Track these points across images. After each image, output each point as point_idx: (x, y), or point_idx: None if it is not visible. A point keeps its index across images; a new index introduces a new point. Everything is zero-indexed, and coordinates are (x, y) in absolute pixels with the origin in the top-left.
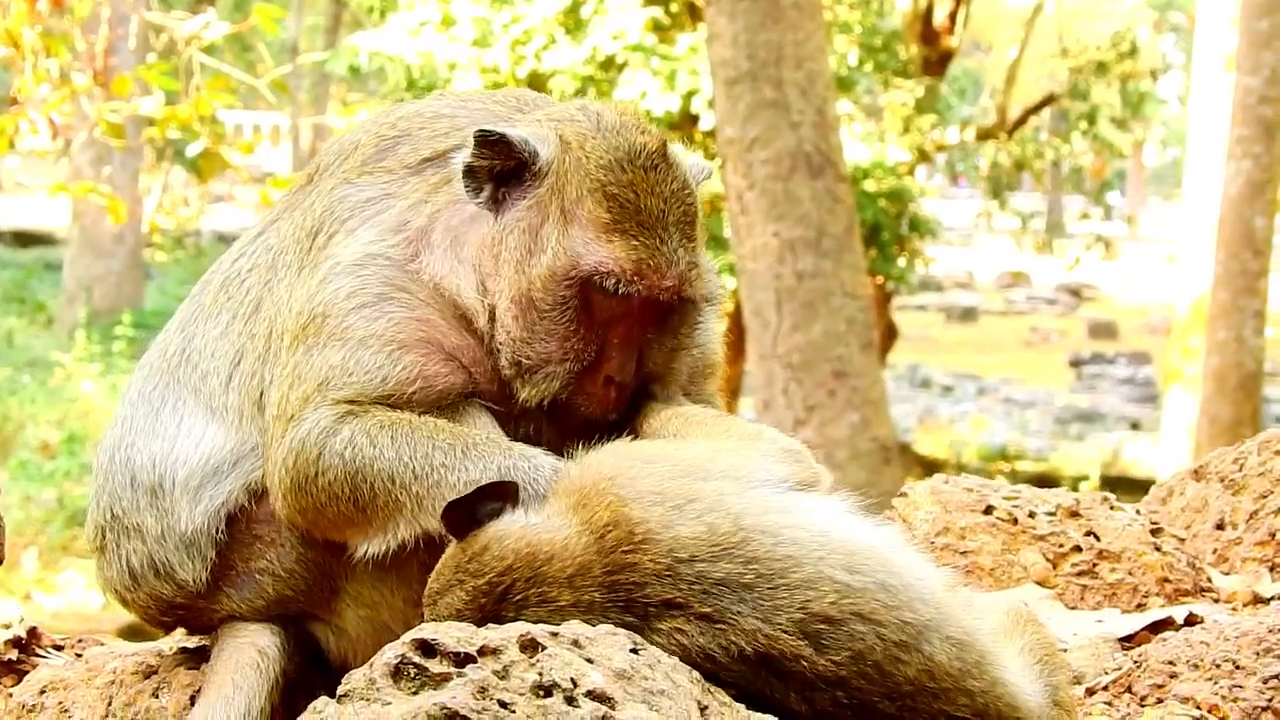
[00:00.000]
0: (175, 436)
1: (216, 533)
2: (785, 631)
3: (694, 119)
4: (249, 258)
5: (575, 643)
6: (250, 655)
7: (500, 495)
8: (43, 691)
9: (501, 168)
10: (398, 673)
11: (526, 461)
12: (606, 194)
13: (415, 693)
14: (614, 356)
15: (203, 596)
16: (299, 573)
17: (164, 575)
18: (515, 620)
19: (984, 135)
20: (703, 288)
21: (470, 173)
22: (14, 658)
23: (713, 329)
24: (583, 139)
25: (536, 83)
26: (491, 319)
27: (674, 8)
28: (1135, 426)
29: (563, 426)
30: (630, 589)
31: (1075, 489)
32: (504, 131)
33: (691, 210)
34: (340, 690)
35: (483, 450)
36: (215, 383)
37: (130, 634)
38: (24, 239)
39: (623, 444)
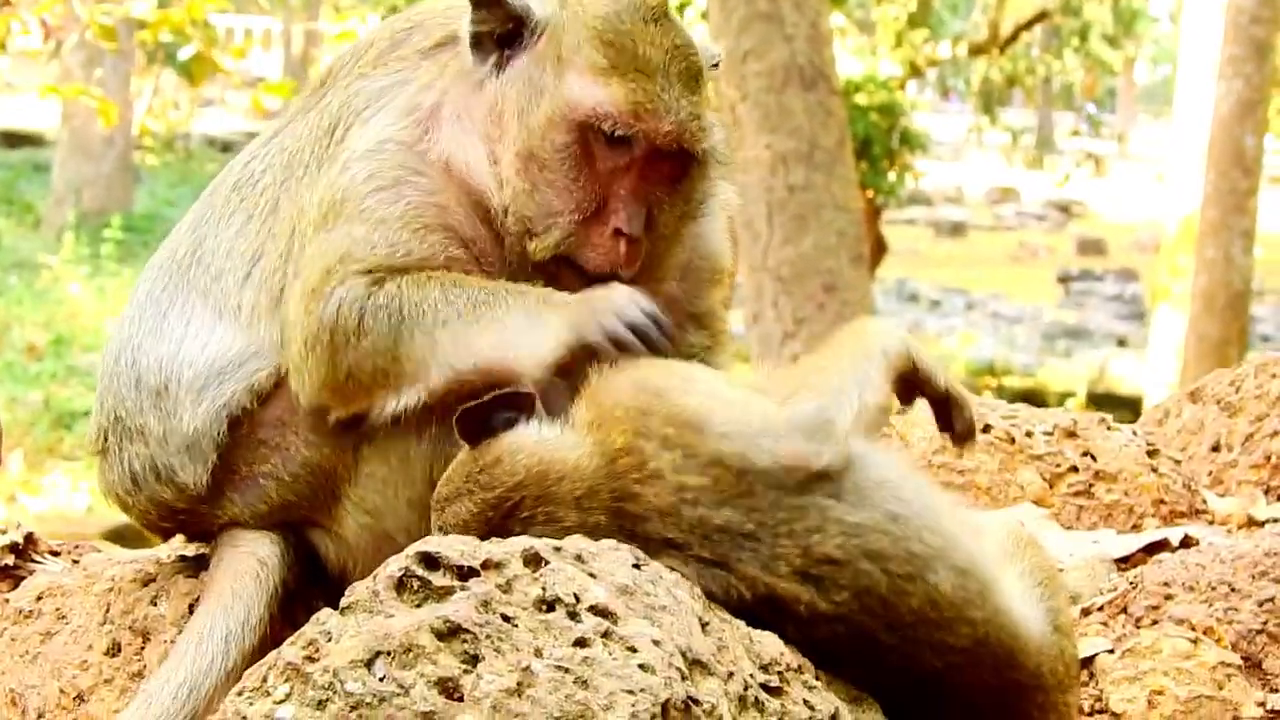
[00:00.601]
0: (182, 339)
1: (218, 434)
2: (784, 578)
3: None
4: (262, 159)
5: (578, 557)
6: (250, 564)
7: (516, 405)
8: (40, 598)
9: (502, 30)
10: (401, 585)
11: (551, 310)
12: (603, 40)
13: (418, 605)
14: (620, 208)
15: (204, 501)
16: (303, 477)
17: (165, 478)
18: (520, 535)
19: (976, 50)
20: (707, 141)
21: (475, 42)
22: (10, 563)
23: (718, 233)
24: None
25: None
26: (500, 185)
27: None
28: (1122, 343)
29: (577, 279)
30: (635, 520)
31: (1062, 405)
32: None
33: (695, 66)
34: (343, 602)
35: (524, 287)
36: (230, 282)
37: (116, 537)
38: (13, 139)
39: (649, 367)
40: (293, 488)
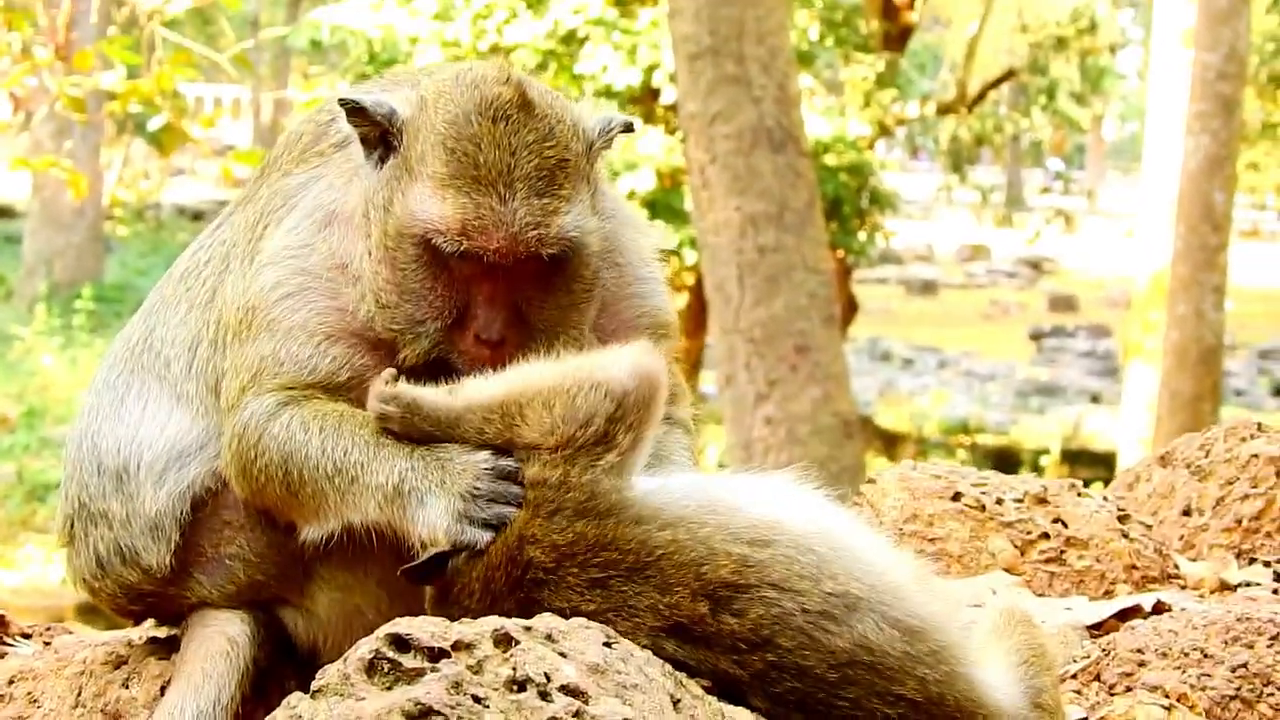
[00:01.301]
0: (139, 421)
1: (181, 515)
2: (683, 598)
3: (655, 93)
4: (206, 250)
5: (549, 636)
6: (220, 644)
7: (445, 556)
8: (11, 681)
9: (375, 133)
10: (372, 667)
11: (425, 464)
12: (446, 148)
13: (389, 688)
14: (479, 314)
15: (170, 583)
16: (270, 556)
17: (130, 561)
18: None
19: (944, 110)
20: (552, 243)
21: (363, 141)
22: None
23: (655, 287)
24: (439, 95)
25: (498, 57)
26: (366, 280)
27: None
28: (1095, 399)
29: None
30: (534, 591)
31: (1036, 462)
32: (357, 98)
33: (550, 162)
34: (314, 685)
35: (393, 452)
36: (177, 369)
37: (90, 611)
38: None
39: None
40: (260, 567)
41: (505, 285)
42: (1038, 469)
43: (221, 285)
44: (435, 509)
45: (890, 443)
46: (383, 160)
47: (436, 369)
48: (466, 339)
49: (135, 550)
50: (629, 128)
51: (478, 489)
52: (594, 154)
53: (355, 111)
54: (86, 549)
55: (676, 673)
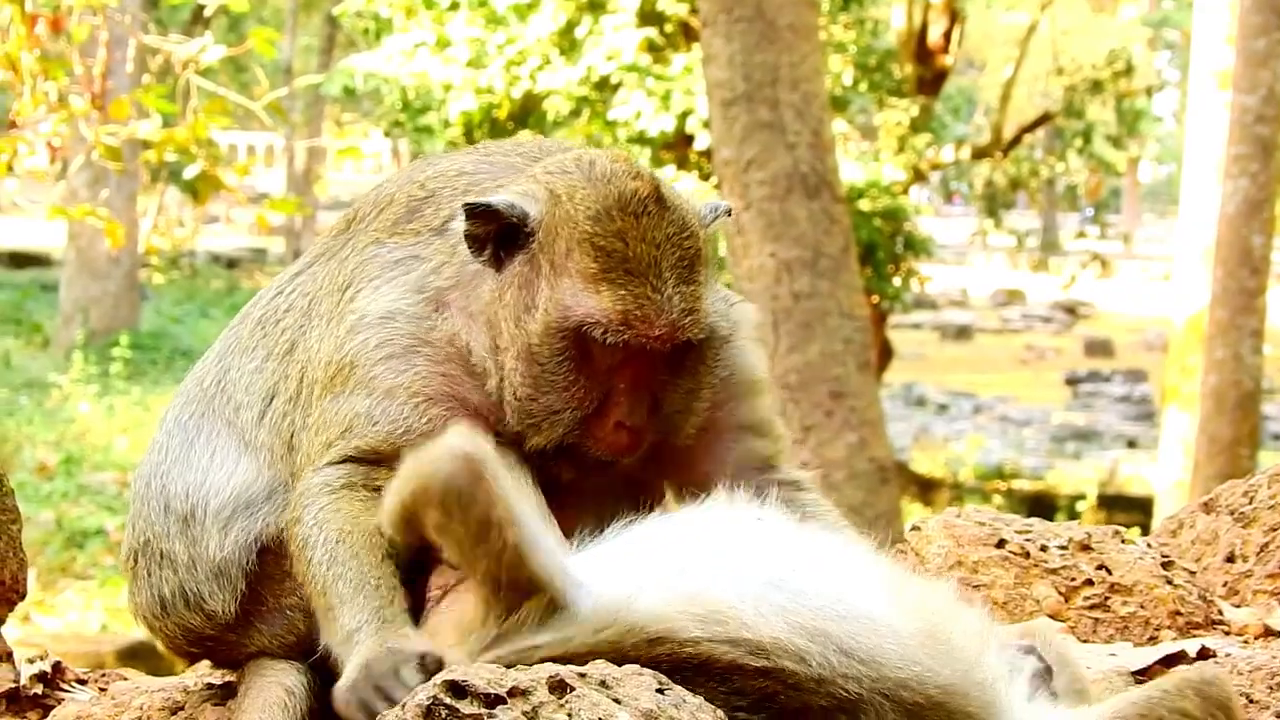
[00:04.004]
0: (208, 467)
1: (247, 563)
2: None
3: (689, 139)
4: (286, 297)
5: (603, 683)
6: (277, 694)
7: None
8: None
9: (496, 231)
10: (429, 714)
11: (389, 615)
12: (594, 245)
13: None
14: (622, 401)
15: (232, 629)
16: None
17: (194, 605)
18: None
19: (979, 154)
20: (705, 326)
21: (471, 238)
22: (39, 692)
23: (746, 347)
24: (572, 191)
25: (531, 103)
26: (500, 376)
27: (668, 28)
28: (1132, 444)
29: (581, 466)
30: None
31: (1072, 507)
32: (489, 201)
33: (690, 252)
34: None
35: (369, 597)
36: (248, 416)
37: (131, 655)
38: (20, 260)
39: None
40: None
41: (647, 372)
42: (1074, 514)
43: (304, 339)
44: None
45: (926, 488)
46: (499, 259)
47: (560, 455)
48: (605, 426)
49: (200, 595)
50: (729, 212)
51: (371, 666)
52: (707, 240)
53: (482, 214)
54: (150, 587)
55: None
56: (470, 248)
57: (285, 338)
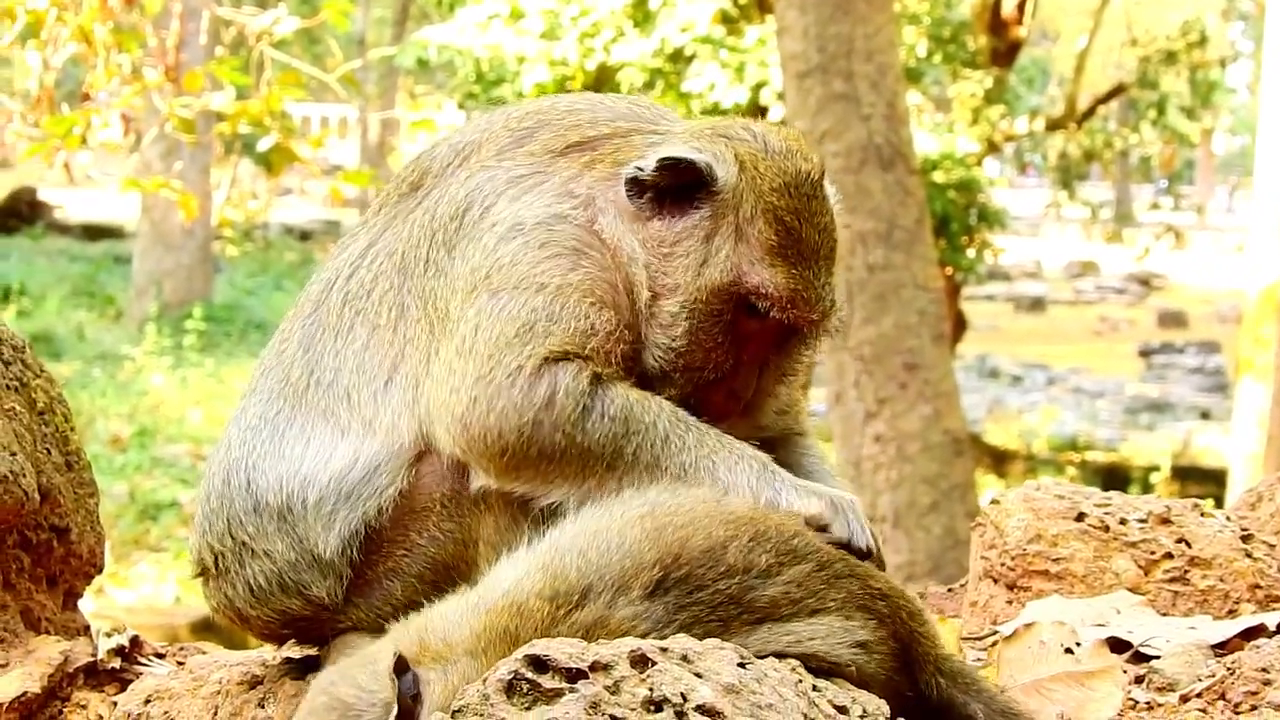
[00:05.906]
0: (302, 458)
1: (354, 553)
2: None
3: (763, 111)
4: (368, 268)
5: (684, 658)
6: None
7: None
8: (148, 701)
9: (675, 183)
10: (511, 688)
11: (793, 488)
12: (777, 217)
13: (528, 708)
14: (741, 372)
15: (327, 609)
16: (427, 576)
17: (293, 591)
18: None
19: (1052, 125)
20: (842, 320)
21: (637, 182)
22: (117, 666)
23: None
24: (755, 159)
25: (605, 75)
26: (649, 305)
27: (742, 0)
28: (1205, 416)
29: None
30: None
31: (1146, 479)
32: (690, 156)
33: (836, 244)
34: (454, 705)
35: (740, 456)
36: (363, 396)
37: (205, 628)
38: (93, 232)
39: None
40: (417, 586)
41: (769, 348)
42: (1148, 486)
43: (411, 294)
44: (815, 501)
45: (999, 460)
46: (663, 205)
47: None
48: (719, 391)
49: (303, 583)
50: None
51: (861, 527)
52: None
53: (674, 167)
54: (240, 580)
55: (810, 692)
56: (629, 190)
57: (387, 303)
